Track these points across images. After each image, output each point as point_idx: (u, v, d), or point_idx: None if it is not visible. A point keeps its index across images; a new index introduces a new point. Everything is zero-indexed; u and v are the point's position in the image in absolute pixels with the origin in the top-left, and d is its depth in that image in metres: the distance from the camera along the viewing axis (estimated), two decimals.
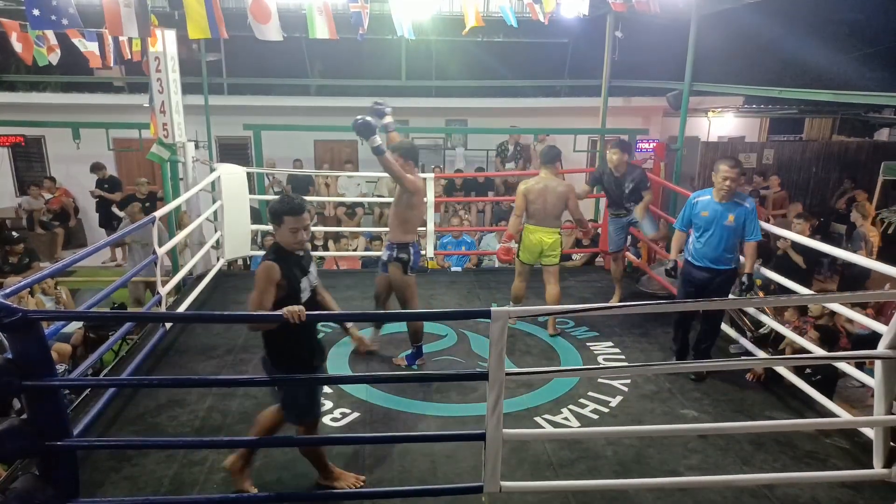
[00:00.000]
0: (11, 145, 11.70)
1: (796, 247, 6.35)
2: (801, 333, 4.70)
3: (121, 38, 7.99)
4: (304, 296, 3.00)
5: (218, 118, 11.10)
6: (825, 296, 3.17)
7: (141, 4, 5.19)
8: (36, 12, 4.83)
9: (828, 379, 4.57)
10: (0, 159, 11.99)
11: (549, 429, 3.91)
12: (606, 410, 4.13)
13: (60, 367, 5.26)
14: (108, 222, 10.36)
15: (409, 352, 4.73)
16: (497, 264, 8.67)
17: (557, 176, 5.36)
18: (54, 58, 8.05)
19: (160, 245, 5.10)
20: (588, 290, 6.53)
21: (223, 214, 6.33)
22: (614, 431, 3.88)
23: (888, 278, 4.75)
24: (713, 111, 13.23)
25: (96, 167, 10.47)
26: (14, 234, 8.88)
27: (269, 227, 3.41)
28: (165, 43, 6.44)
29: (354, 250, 8.92)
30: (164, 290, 5.03)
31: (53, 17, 4.94)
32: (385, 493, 3.19)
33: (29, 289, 5.80)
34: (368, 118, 4.19)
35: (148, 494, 3.19)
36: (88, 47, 8.00)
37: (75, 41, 7.94)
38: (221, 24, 5.88)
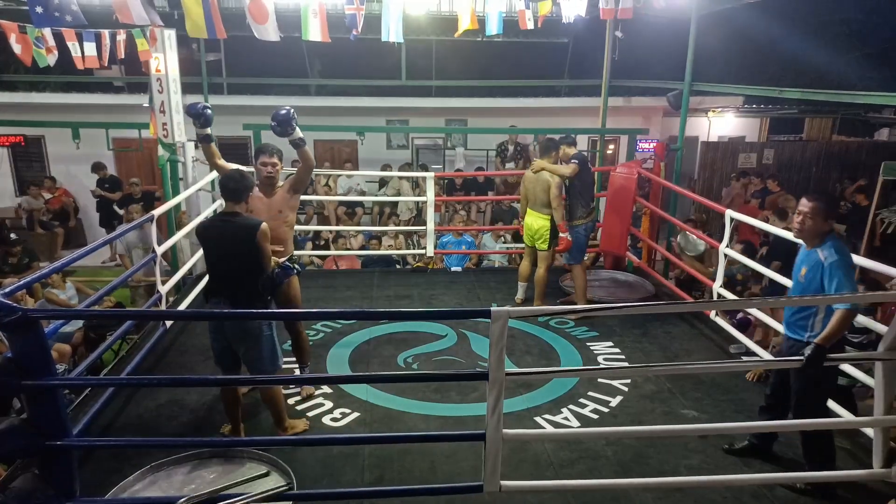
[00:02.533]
0: (11, 145, 11.70)
1: None
2: None
3: (118, 39, 8.00)
4: None
5: (218, 118, 10.96)
6: (825, 297, 3.16)
7: None
8: (39, 9, 4.83)
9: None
10: (0, 159, 11.99)
11: (549, 429, 3.91)
12: (606, 410, 4.12)
13: (60, 367, 5.26)
14: (109, 222, 10.36)
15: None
16: (497, 264, 8.72)
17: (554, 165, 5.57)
18: (52, 59, 8.04)
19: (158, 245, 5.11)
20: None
21: None
22: (614, 432, 3.88)
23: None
24: (713, 111, 13.25)
25: (97, 167, 10.48)
26: (12, 235, 8.87)
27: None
28: (165, 43, 6.44)
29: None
30: (164, 289, 5.04)
31: (57, 14, 4.94)
32: (385, 492, 3.19)
33: (27, 289, 5.79)
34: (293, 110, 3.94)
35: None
36: (81, 50, 7.99)
37: (69, 44, 7.93)
38: (219, 24, 5.89)
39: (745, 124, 14.26)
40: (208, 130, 4.15)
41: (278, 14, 6.24)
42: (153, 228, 4.98)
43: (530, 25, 7.55)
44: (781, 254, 6.26)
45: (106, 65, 8.38)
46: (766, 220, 6.57)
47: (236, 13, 8.35)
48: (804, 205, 3.21)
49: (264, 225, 3.44)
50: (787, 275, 4.01)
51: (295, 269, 4.16)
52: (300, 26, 6.57)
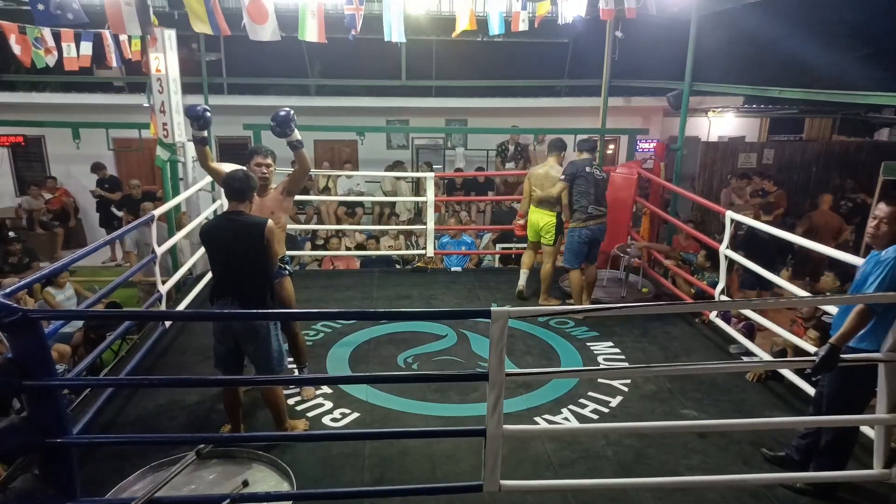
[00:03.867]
0: (11, 145, 11.70)
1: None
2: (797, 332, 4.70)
3: (121, 38, 8.00)
4: None
5: (218, 118, 10.95)
6: (826, 297, 3.16)
7: (141, 3, 5.19)
8: (41, 7, 4.83)
9: None
10: (0, 159, 11.99)
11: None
12: (606, 411, 4.12)
13: (60, 368, 5.27)
14: (109, 222, 10.35)
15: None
16: (497, 264, 8.71)
17: (560, 165, 5.75)
18: (52, 59, 8.04)
19: (159, 244, 5.11)
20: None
21: None
22: (615, 428, 3.88)
23: None
24: (713, 111, 13.24)
25: (97, 167, 10.47)
26: (11, 233, 8.87)
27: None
28: (165, 43, 6.44)
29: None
30: (164, 289, 5.04)
31: (58, 13, 4.93)
32: (385, 491, 3.19)
33: (27, 289, 5.79)
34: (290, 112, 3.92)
35: None
36: (73, 52, 7.98)
37: (64, 45, 7.92)
38: (222, 21, 5.89)
39: (745, 124, 14.25)
40: (205, 133, 4.12)
41: (278, 14, 6.23)
42: (153, 228, 4.98)
43: (523, 27, 7.56)
44: (743, 245, 6.34)
45: (111, 65, 8.37)
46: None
47: (236, 13, 8.34)
48: (882, 209, 3.02)
49: (271, 222, 3.47)
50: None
51: (287, 270, 4.17)
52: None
